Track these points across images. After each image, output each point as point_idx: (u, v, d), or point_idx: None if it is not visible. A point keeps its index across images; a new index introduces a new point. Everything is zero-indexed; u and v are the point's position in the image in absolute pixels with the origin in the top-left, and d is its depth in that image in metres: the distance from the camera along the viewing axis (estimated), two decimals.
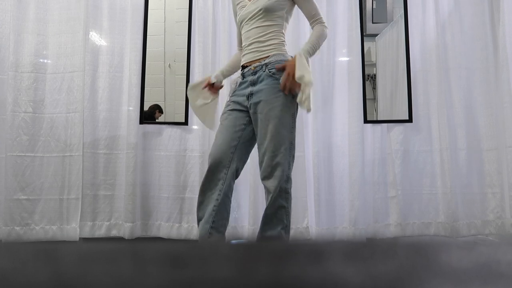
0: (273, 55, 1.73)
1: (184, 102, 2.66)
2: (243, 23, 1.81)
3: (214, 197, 1.68)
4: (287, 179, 1.70)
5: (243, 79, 1.78)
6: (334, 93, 2.68)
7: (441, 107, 2.61)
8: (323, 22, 1.79)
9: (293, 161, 1.74)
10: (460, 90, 2.67)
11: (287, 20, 1.81)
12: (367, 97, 2.66)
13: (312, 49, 1.72)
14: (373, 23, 2.83)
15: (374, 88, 2.80)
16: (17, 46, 2.58)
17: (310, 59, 1.74)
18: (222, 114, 1.83)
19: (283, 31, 1.79)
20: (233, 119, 1.76)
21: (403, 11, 2.71)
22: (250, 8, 1.77)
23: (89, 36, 2.63)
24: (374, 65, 2.82)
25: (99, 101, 2.64)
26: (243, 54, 1.82)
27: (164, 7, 2.80)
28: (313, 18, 1.79)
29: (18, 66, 2.58)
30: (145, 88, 2.66)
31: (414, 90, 2.67)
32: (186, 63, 2.66)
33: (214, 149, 1.74)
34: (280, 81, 1.66)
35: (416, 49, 2.71)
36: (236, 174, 1.76)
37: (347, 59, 2.68)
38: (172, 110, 2.74)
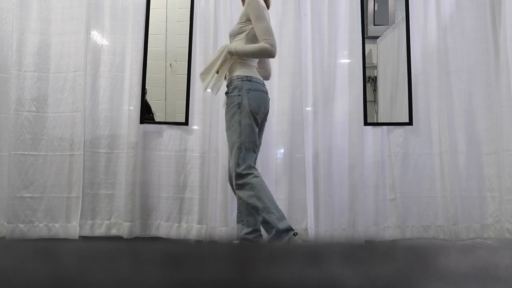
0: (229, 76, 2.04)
1: (185, 102, 2.66)
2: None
3: None
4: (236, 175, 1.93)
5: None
6: (335, 95, 2.68)
7: (441, 110, 2.61)
8: (271, 44, 1.92)
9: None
10: (460, 94, 2.66)
11: (251, 41, 1.99)
12: (367, 100, 2.66)
13: (242, 51, 1.97)
14: (374, 25, 2.83)
15: (374, 90, 2.80)
16: (20, 45, 2.59)
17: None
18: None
19: None
20: None
21: (404, 14, 2.71)
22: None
23: (91, 36, 2.64)
24: (375, 67, 2.82)
25: (100, 100, 2.64)
26: None
27: (166, 6, 2.80)
28: (261, 38, 1.94)
29: (21, 65, 2.59)
30: (146, 88, 2.67)
31: (415, 93, 2.67)
32: (187, 62, 2.66)
33: None
34: None
35: (417, 52, 2.71)
36: None
37: (348, 61, 2.68)
38: (173, 110, 2.74)
